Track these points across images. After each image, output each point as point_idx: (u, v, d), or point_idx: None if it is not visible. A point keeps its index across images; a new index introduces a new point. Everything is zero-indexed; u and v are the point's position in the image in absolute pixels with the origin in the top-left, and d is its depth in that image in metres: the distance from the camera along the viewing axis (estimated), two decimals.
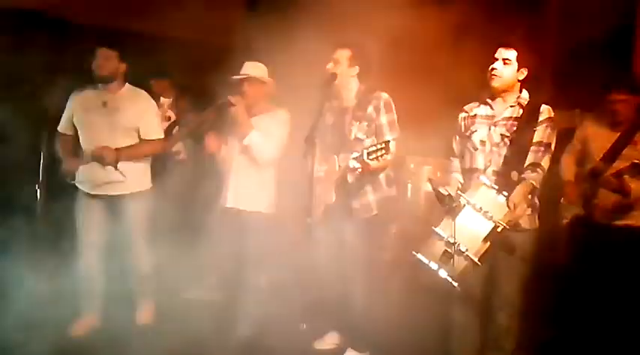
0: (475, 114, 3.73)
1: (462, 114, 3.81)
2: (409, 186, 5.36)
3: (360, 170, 3.69)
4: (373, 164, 3.59)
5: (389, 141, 3.56)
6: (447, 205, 3.47)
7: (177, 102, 5.98)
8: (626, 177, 4.04)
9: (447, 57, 4.87)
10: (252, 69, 4.29)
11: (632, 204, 4.13)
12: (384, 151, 3.51)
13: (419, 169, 5.39)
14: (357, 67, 4.00)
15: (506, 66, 3.58)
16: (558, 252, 4.17)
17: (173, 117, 5.91)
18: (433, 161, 5.34)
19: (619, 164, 4.14)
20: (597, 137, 4.34)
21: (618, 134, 4.24)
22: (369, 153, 3.53)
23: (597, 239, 4.16)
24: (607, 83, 4.32)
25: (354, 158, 3.65)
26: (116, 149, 4.22)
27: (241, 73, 4.28)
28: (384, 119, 3.92)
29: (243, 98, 4.20)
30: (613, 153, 4.17)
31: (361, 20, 4.68)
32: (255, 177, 4.27)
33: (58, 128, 4.44)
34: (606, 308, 3.99)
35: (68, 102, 4.41)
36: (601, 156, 4.24)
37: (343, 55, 3.97)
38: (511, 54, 3.58)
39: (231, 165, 4.33)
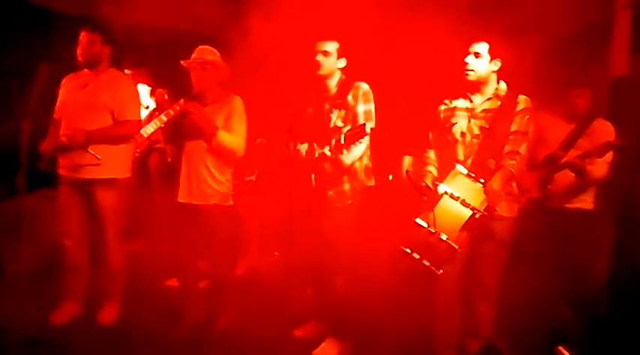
0: (454, 107, 3.82)
1: (442, 107, 3.88)
2: (390, 177, 5.41)
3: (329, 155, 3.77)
4: (350, 156, 3.69)
5: (364, 124, 3.61)
6: (424, 196, 3.55)
7: (154, 90, 5.96)
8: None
9: (429, 51, 4.92)
10: (207, 54, 4.22)
11: (585, 187, 4.40)
12: (359, 135, 3.58)
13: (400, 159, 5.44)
14: (344, 59, 4.04)
15: (478, 59, 3.67)
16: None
17: (151, 106, 5.90)
18: (414, 151, 5.38)
19: (572, 152, 4.39)
20: (553, 128, 4.56)
21: (572, 126, 4.49)
22: (345, 137, 3.60)
23: (551, 222, 4.40)
24: (566, 79, 4.63)
25: (329, 148, 3.73)
26: (87, 131, 4.12)
27: (194, 57, 4.20)
28: (360, 108, 3.95)
29: (193, 84, 4.16)
30: (570, 142, 4.44)
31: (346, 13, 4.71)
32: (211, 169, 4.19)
33: (54, 114, 4.37)
34: (563, 288, 4.15)
35: (60, 87, 4.36)
36: (557, 145, 4.47)
37: (332, 46, 3.99)
38: (482, 47, 3.67)
39: (185, 161, 4.23)
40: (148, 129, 5.54)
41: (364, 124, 3.62)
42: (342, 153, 3.83)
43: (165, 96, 5.66)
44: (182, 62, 4.18)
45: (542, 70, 4.71)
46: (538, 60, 5.07)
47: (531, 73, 4.27)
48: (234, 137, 4.13)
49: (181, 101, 4.22)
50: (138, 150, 5.43)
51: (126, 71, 5.74)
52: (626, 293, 4.07)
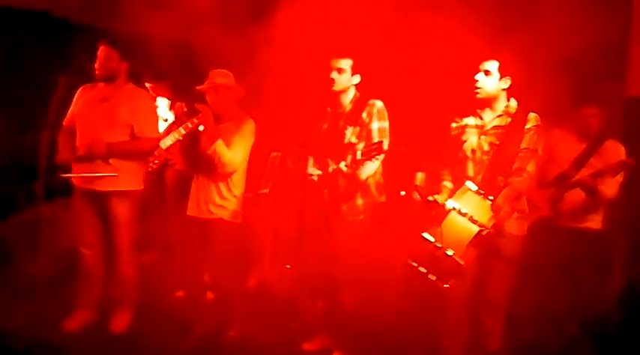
0: (465, 124, 3.86)
1: (453, 124, 3.93)
2: (402, 193, 5.44)
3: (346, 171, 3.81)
4: (365, 171, 3.76)
5: (382, 142, 3.67)
6: (432, 211, 3.58)
7: (174, 104, 6.05)
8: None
9: (441, 68, 4.96)
10: (218, 77, 4.34)
11: (595, 206, 4.40)
12: (376, 152, 3.63)
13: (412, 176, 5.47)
14: (358, 75, 4.09)
15: (488, 77, 3.71)
16: None
17: (171, 119, 5.99)
18: (427, 168, 5.42)
19: (584, 171, 4.38)
20: (565, 146, 4.57)
21: (584, 144, 4.49)
22: (362, 153, 3.65)
23: (559, 240, 4.39)
24: (579, 97, 4.63)
25: (345, 165, 3.79)
26: (107, 143, 4.21)
27: (207, 82, 4.33)
28: (375, 125, 4.00)
29: (210, 107, 4.26)
30: (581, 161, 4.44)
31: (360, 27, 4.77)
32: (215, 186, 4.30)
33: (63, 121, 4.45)
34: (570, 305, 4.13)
35: (75, 97, 4.46)
36: (568, 163, 4.48)
37: (346, 63, 4.05)
38: (492, 65, 3.71)
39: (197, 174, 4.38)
40: (166, 142, 5.61)
41: (381, 142, 3.69)
42: (358, 169, 3.88)
43: (185, 110, 5.76)
44: (196, 88, 4.32)
45: (556, 87, 4.71)
46: (552, 77, 5.09)
47: (544, 90, 4.29)
48: (230, 151, 4.22)
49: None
50: (156, 162, 5.53)
51: (146, 84, 5.86)
52: (635, 313, 4.04)
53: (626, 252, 4.68)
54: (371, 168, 3.97)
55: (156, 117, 4.61)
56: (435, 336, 3.89)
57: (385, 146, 3.69)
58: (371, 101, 4.06)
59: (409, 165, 5.30)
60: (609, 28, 4.94)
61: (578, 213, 4.42)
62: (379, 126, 4.01)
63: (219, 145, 4.17)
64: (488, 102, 3.75)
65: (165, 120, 5.97)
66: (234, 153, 4.25)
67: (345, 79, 4.05)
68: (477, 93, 3.73)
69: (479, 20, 4.79)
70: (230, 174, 4.30)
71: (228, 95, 4.33)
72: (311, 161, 4.10)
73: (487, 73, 3.71)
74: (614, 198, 4.30)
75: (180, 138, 4.66)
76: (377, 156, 3.72)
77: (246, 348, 4.21)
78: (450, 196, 3.69)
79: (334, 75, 4.03)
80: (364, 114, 4.03)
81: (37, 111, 4.22)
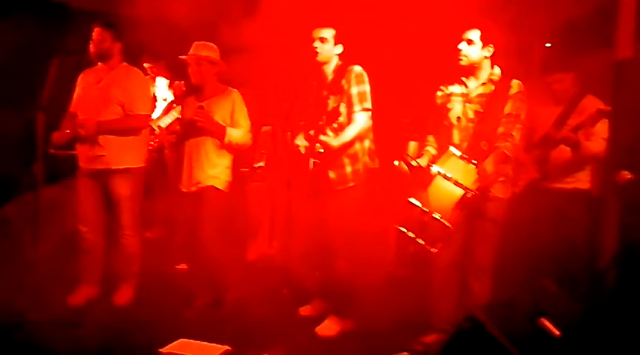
0: (450, 93, 3.93)
1: (438, 93, 4.00)
2: (396, 162, 5.50)
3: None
4: (338, 140, 3.90)
5: (335, 107, 3.88)
6: (417, 176, 3.67)
7: (173, 83, 6.14)
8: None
9: (429, 35, 5.00)
10: (202, 49, 4.37)
11: (581, 163, 4.43)
12: (331, 120, 3.87)
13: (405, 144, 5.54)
14: (340, 45, 4.15)
15: (471, 46, 3.77)
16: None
17: (170, 98, 6.09)
18: (419, 137, 5.48)
19: (566, 129, 4.40)
20: (546, 110, 4.59)
21: (561, 108, 4.52)
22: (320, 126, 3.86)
23: (548, 201, 4.44)
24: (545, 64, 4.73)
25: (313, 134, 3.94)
26: (97, 121, 4.34)
27: (190, 53, 4.37)
28: (354, 90, 4.05)
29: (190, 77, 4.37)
30: (562, 120, 4.46)
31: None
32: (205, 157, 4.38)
33: (69, 107, 4.59)
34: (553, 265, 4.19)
35: (77, 82, 4.59)
36: (547, 127, 4.50)
37: (328, 33, 4.10)
38: (474, 34, 3.77)
39: (185, 150, 4.45)
40: (165, 120, 5.76)
41: (335, 107, 3.88)
42: (325, 134, 3.97)
43: (184, 88, 5.85)
44: (180, 57, 4.38)
45: (541, 54, 4.77)
46: (542, 43, 5.13)
47: (529, 57, 4.34)
48: (240, 131, 4.35)
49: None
50: (156, 140, 5.64)
51: (145, 65, 5.96)
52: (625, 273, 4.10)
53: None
54: (346, 136, 4.02)
55: (147, 95, 4.71)
56: (426, 299, 3.98)
57: (342, 108, 3.82)
58: (349, 67, 4.11)
59: (404, 134, 5.40)
60: None
61: (567, 171, 4.45)
62: (358, 90, 4.06)
63: (230, 132, 4.30)
64: (472, 70, 3.82)
65: (165, 100, 6.09)
66: (243, 130, 4.38)
67: (328, 48, 4.10)
68: (461, 60, 3.79)
69: None
70: (246, 148, 4.48)
71: (210, 68, 4.37)
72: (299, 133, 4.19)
73: (470, 41, 3.77)
74: (601, 154, 4.31)
75: (179, 116, 4.77)
76: (334, 123, 3.84)
77: (245, 316, 4.31)
78: (433, 161, 3.77)
79: (317, 44, 4.09)
80: (343, 81, 4.08)
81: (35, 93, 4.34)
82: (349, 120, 4.05)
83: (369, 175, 4.23)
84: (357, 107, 4.02)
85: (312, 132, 4.04)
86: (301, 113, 4.24)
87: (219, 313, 4.36)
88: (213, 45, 4.42)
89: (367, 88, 4.09)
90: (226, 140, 4.30)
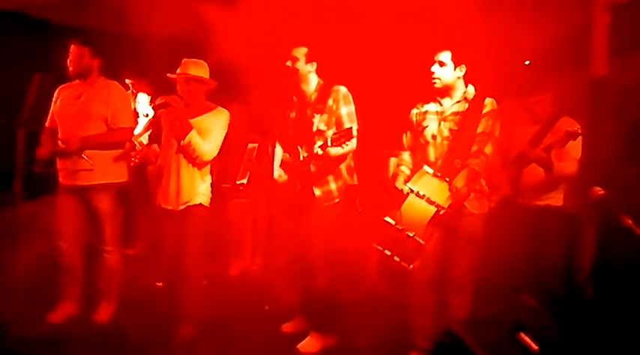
0: (426, 111, 4.00)
1: (414, 111, 4.07)
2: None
3: (321, 153, 3.91)
4: (336, 151, 3.88)
5: (351, 128, 3.81)
6: (392, 195, 3.73)
7: (154, 99, 6.15)
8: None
9: (405, 54, 5.07)
10: (192, 67, 4.27)
11: (554, 182, 4.51)
12: (345, 139, 3.78)
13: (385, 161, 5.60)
14: (314, 63, 4.20)
15: (443, 68, 3.84)
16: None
17: (151, 114, 6.10)
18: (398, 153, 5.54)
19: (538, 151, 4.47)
20: (521, 129, 4.67)
21: (537, 127, 4.58)
22: (332, 140, 3.79)
23: (520, 217, 4.52)
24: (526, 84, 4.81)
25: (319, 146, 3.88)
26: (82, 137, 4.33)
27: (179, 71, 4.30)
28: (343, 110, 4.12)
29: (180, 98, 4.24)
30: (537, 139, 4.52)
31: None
32: (192, 174, 4.29)
33: (46, 123, 4.57)
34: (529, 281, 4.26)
35: (54, 97, 4.57)
36: (523, 145, 4.55)
37: (300, 52, 4.16)
38: (445, 56, 3.84)
39: (169, 166, 4.31)
40: (147, 137, 5.76)
41: (351, 128, 3.82)
42: (328, 154, 3.99)
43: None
44: (168, 75, 4.33)
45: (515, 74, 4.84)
46: (518, 63, 5.21)
47: (503, 76, 4.41)
48: (205, 142, 4.21)
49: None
50: (138, 156, 5.64)
51: (127, 81, 5.98)
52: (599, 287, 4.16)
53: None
54: (341, 153, 4.05)
55: (128, 107, 4.69)
56: (405, 315, 4.01)
57: (354, 132, 3.82)
58: (335, 87, 4.17)
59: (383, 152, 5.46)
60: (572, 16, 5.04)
61: (539, 189, 4.53)
62: (347, 111, 4.13)
63: (194, 136, 4.15)
64: (447, 90, 3.89)
65: (146, 116, 6.10)
66: (208, 143, 4.23)
67: (303, 67, 4.16)
68: (434, 83, 3.86)
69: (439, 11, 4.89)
70: (206, 164, 4.31)
71: (198, 87, 4.29)
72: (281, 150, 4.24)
73: (442, 63, 3.84)
74: (572, 175, 4.40)
75: None
76: (347, 142, 3.83)
77: (226, 332, 4.34)
78: (408, 180, 3.82)
79: (293, 64, 4.15)
80: (330, 101, 4.13)
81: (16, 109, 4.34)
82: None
83: (349, 192, 4.28)
84: (347, 126, 4.01)
85: (301, 152, 4.09)
86: (284, 130, 4.28)
87: (201, 329, 4.32)
88: (203, 62, 4.34)
89: (353, 108, 4.16)
90: (186, 140, 4.14)
